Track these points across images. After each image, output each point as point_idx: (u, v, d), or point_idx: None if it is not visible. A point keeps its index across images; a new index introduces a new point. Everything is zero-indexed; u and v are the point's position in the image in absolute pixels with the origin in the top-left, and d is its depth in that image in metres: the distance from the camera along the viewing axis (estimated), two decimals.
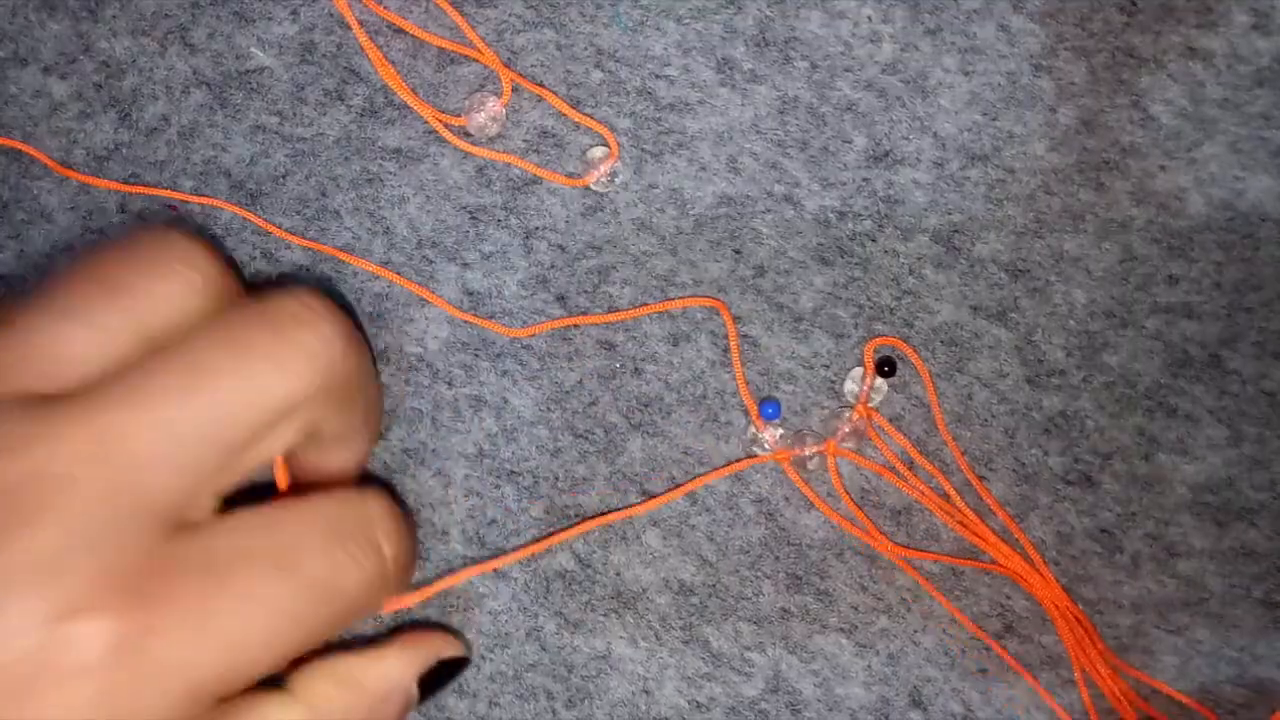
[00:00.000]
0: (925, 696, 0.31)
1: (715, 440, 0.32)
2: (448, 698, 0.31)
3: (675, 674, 0.31)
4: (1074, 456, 0.32)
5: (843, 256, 0.32)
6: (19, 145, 0.33)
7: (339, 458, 0.27)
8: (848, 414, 0.32)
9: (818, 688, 0.31)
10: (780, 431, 0.32)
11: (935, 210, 0.32)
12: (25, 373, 0.22)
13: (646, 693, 0.31)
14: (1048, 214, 0.32)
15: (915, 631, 0.31)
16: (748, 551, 0.32)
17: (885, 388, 0.32)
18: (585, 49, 0.33)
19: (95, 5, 0.33)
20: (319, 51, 0.33)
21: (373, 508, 0.24)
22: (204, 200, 0.32)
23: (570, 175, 0.33)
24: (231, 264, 0.24)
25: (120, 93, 0.33)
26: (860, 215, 0.32)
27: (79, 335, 0.22)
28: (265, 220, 0.32)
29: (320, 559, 0.23)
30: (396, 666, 0.27)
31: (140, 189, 0.33)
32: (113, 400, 0.21)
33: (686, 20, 0.33)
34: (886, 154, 0.32)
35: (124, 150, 0.33)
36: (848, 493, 0.32)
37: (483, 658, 0.31)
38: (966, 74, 0.32)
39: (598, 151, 0.32)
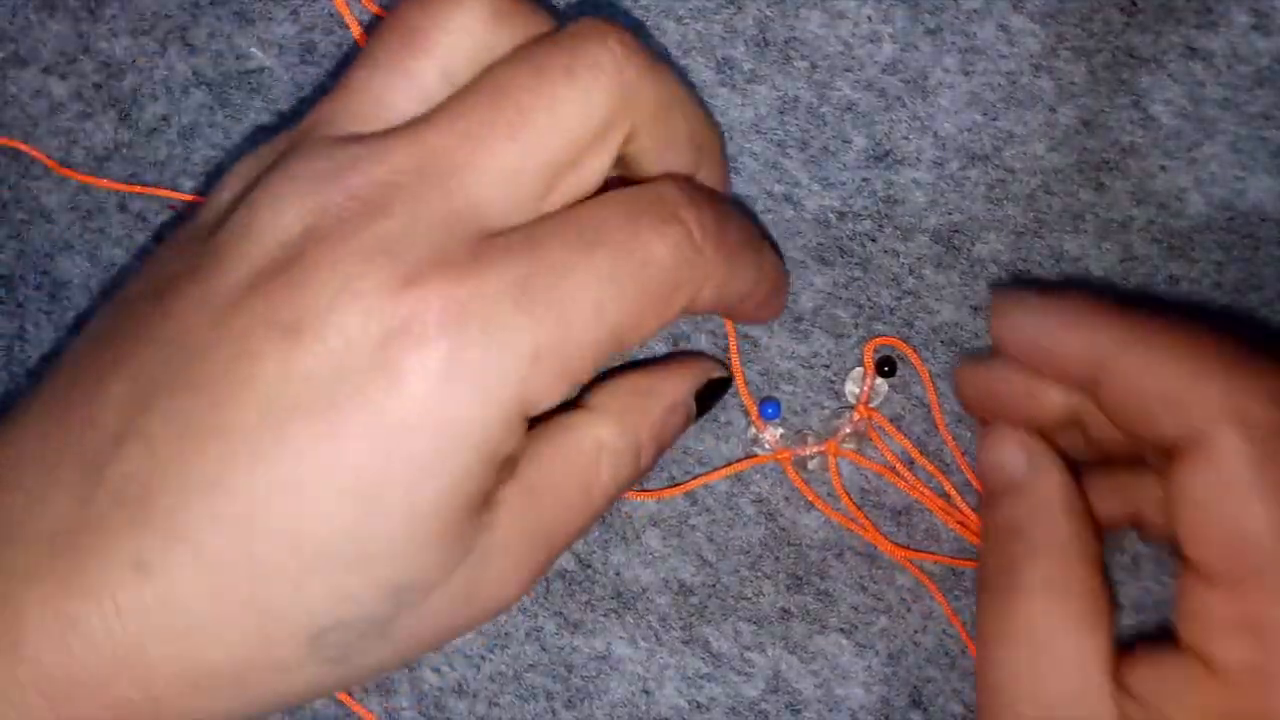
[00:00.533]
0: (925, 697, 0.31)
1: (715, 440, 0.32)
2: (447, 698, 0.31)
3: (675, 674, 0.31)
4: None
5: (843, 256, 0.32)
6: (19, 145, 0.33)
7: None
8: (848, 414, 0.32)
9: (818, 688, 0.31)
10: (780, 431, 0.32)
11: (935, 210, 0.32)
12: (350, 122, 0.23)
13: (646, 693, 0.31)
14: (1048, 214, 0.32)
15: (915, 631, 0.31)
16: (748, 552, 0.32)
17: (885, 388, 0.32)
18: None
19: (95, 5, 0.33)
20: (319, 51, 0.33)
21: (665, 188, 0.24)
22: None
23: None
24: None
25: (120, 93, 0.33)
26: (860, 215, 0.32)
27: (395, 84, 0.24)
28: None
29: (623, 231, 0.23)
30: (680, 381, 0.29)
31: (143, 189, 0.33)
32: (432, 127, 0.23)
33: (686, 20, 0.33)
34: (886, 154, 0.32)
35: (124, 150, 0.33)
36: (848, 493, 0.32)
37: (482, 658, 0.31)
38: (966, 74, 0.32)
39: None
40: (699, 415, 0.30)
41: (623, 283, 0.23)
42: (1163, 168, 0.32)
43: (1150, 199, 0.32)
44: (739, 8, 0.33)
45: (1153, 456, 0.26)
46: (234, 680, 0.22)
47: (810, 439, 0.32)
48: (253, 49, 0.33)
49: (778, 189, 0.32)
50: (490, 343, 0.21)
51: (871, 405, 0.32)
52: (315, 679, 0.22)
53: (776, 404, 0.32)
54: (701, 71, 0.33)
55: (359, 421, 0.21)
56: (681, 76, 0.31)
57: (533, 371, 0.22)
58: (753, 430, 0.32)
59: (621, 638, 0.31)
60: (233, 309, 0.21)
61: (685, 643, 0.31)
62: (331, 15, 0.33)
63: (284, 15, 0.33)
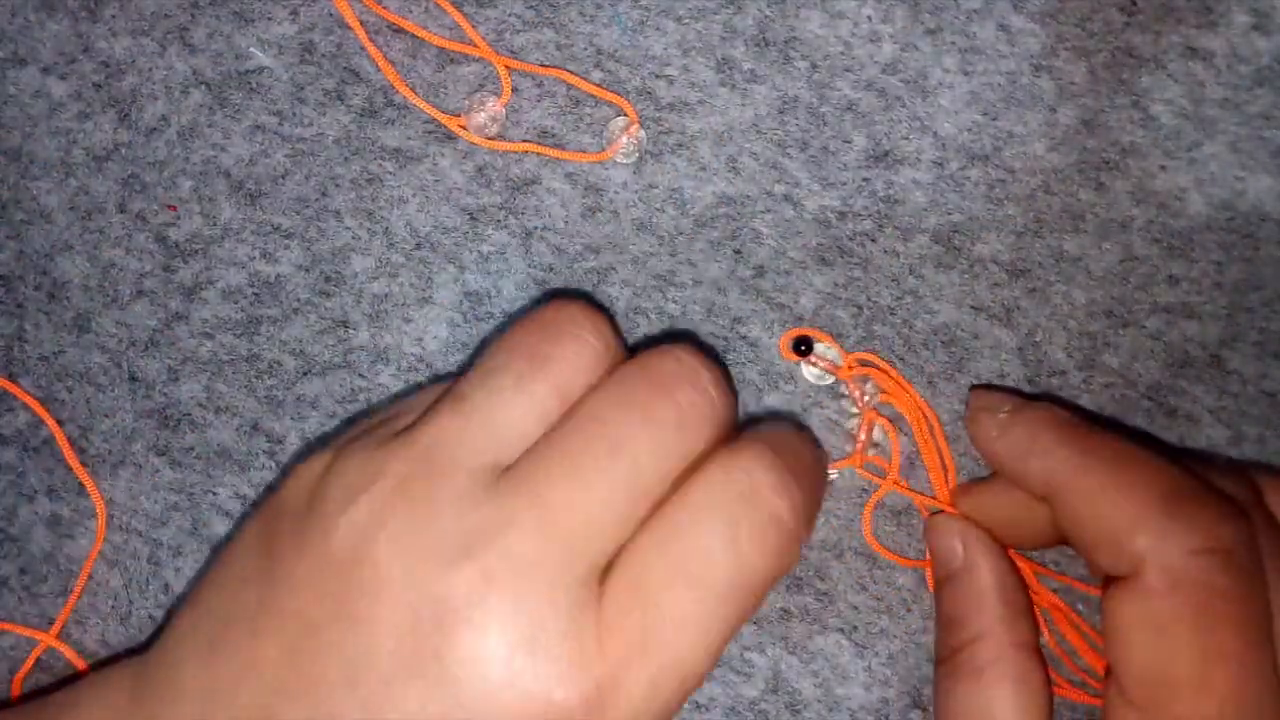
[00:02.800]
0: (925, 697, 0.31)
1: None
2: None
3: None
4: None
5: (843, 256, 0.32)
6: None
7: None
8: (856, 420, 0.32)
9: (818, 688, 0.31)
10: (827, 360, 0.32)
11: (935, 210, 0.32)
12: (484, 444, 0.25)
13: None
14: (1048, 214, 0.32)
15: (915, 632, 0.31)
16: None
17: (874, 389, 0.32)
18: (585, 49, 0.33)
19: (95, 5, 0.33)
20: (319, 51, 0.33)
21: (757, 475, 0.26)
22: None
23: (454, 114, 0.32)
24: (617, 328, 0.28)
25: (120, 93, 0.33)
26: (860, 215, 0.32)
27: (519, 404, 0.26)
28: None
29: (726, 556, 0.25)
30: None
31: None
32: (553, 477, 0.25)
33: (686, 20, 0.33)
34: (886, 154, 0.32)
35: (124, 150, 0.33)
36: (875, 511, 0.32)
37: None
38: (966, 74, 0.32)
39: (618, 122, 0.32)
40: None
41: (731, 614, 0.25)
42: (1163, 168, 0.32)
43: (1150, 199, 0.32)
44: (739, 8, 0.33)
45: (1099, 575, 0.28)
46: None
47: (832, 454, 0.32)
48: (253, 49, 0.33)
49: (778, 189, 0.32)
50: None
51: (870, 406, 0.32)
52: None
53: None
54: (701, 71, 0.33)
55: None
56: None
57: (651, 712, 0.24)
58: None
59: None
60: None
61: None
62: (331, 15, 0.33)
63: (284, 15, 0.33)
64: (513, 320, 0.32)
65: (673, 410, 0.25)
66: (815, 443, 0.32)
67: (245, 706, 0.24)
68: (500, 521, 0.24)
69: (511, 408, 0.25)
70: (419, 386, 0.32)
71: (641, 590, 0.24)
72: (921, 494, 0.31)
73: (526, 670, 0.23)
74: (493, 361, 0.26)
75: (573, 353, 0.26)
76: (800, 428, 0.32)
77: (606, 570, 0.25)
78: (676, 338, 0.32)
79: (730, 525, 0.25)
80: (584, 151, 0.32)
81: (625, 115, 0.32)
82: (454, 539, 0.24)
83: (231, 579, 0.26)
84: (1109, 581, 0.26)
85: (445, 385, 0.28)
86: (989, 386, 0.32)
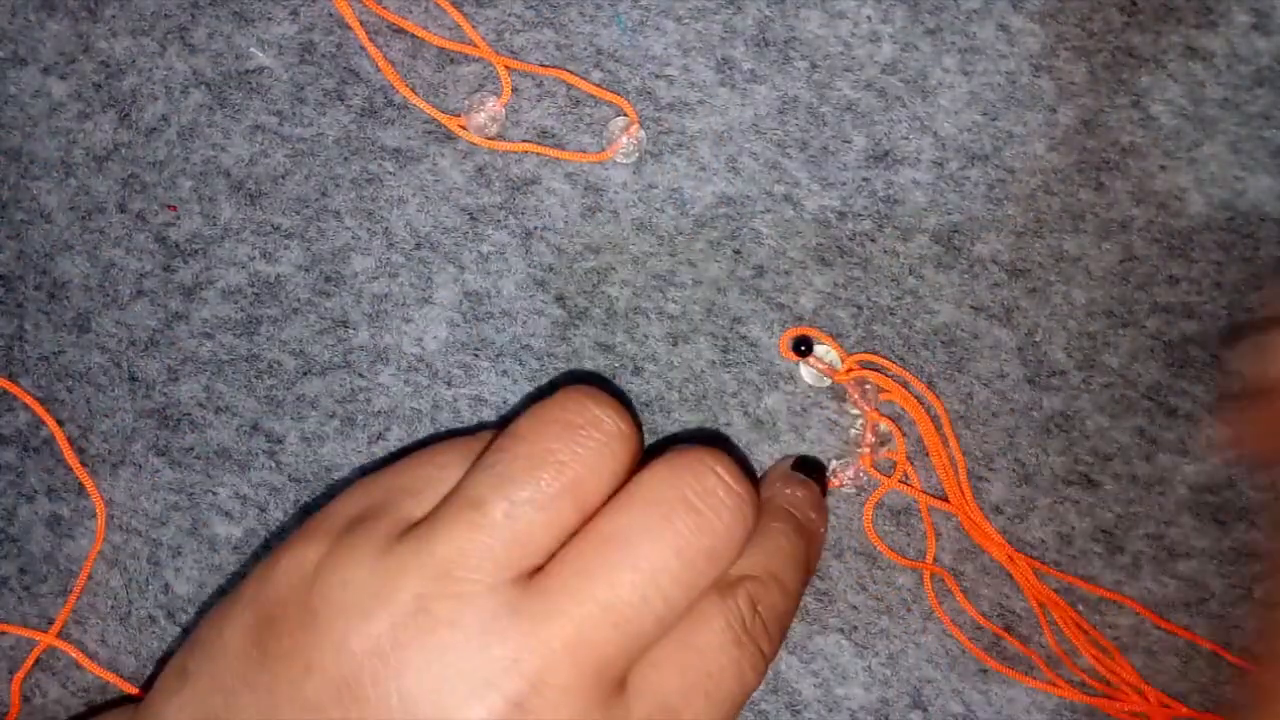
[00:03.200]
0: (925, 697, 0.31)
1: (715, 441, 0.32)
2: None
3: None
4: (1074, 457, 0.32)
5: (843, 256, 0.32)
6: None
7: None
8: (860, 422, 0.32)
9: (817, 688, 0.31)
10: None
11: (935, 210, 0.32)
12: (505, 562, 0.24)
13: None
14: (1048, 214, 0.32)
15: (915, 632, 0.31)
16: None
17: (874, 390, 0.32)
18: (585, 49, 0.33)
19: (95, 5, 0.33)
20: (319, 51, 0.33)
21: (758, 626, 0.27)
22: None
23: (454, 114, 0.32)
24: (636, 420, 0.27)
25: (120, 93, 0.33)
26: (860, 215, 0.32)
27: (540, 519, 0.25)
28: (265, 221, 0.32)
29: (734, 684, 0.26)
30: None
31: None
32: (574, 599, 0.24)
33: (686, 20, 0.33)
34: (886, 154, 0.32)
35: (124, 150, 0.33)
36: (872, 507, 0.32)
37: None
38: (966, 74, 0.32)
39: (618, 122, 0.32)
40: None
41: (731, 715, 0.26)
42: (1163, 168, 0.32)
43: (1150, 199, 0.32)
44: (739, 8, 0.33)
45: None
46: None
47: (836, 464, 0.32)
48: (252, 49, 0.33)
49: (778, 189, 0.32)
50: None
51: (870, 405, 0.32)
52: None
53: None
54: (701, 71, 0.33)
55: None
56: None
57: None
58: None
59: None
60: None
61: None
62: (331, 15, 0.33)
63: (284, 15, 0.33)
64: (501, 319, 0.32)
65: (702, 522, 0.25)
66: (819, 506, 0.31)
67: None
68: (528, 643, 0.24)
69: (534, 524, 0.25)
70: (419, 387, 0.32)
71: (666, 710, 0.25)
72: (926, 492, 0.31)
73: None
74: (510, 465, 0.25)
75: (592, 454, 0.25)
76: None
77: (626, 681, 0.25)
78: (676, 340, 0.32)
79: (739, 649, 0.26)
80: (584, 151, 0.32)
81: (625, 115, 0.32)
82: (484, 664, 0.23)
83: (222, 676, 0.25)
84: None
85: (449, 450, 0.27)
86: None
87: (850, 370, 0.32)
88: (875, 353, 0.32)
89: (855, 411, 0.32)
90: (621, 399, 0.29)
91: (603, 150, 0.32)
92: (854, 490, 0.32)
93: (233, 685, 0.25)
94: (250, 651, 0.25)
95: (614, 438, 0.26)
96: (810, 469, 0.31)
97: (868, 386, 0.32)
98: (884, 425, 0.32)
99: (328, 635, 0.24)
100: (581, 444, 0.25)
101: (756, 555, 0.27)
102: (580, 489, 0.25)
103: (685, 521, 0.25)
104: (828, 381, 0.32)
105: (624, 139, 0.32)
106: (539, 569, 0.25)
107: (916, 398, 0.31)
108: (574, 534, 0.25)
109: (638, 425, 0.27)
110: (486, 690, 0.23)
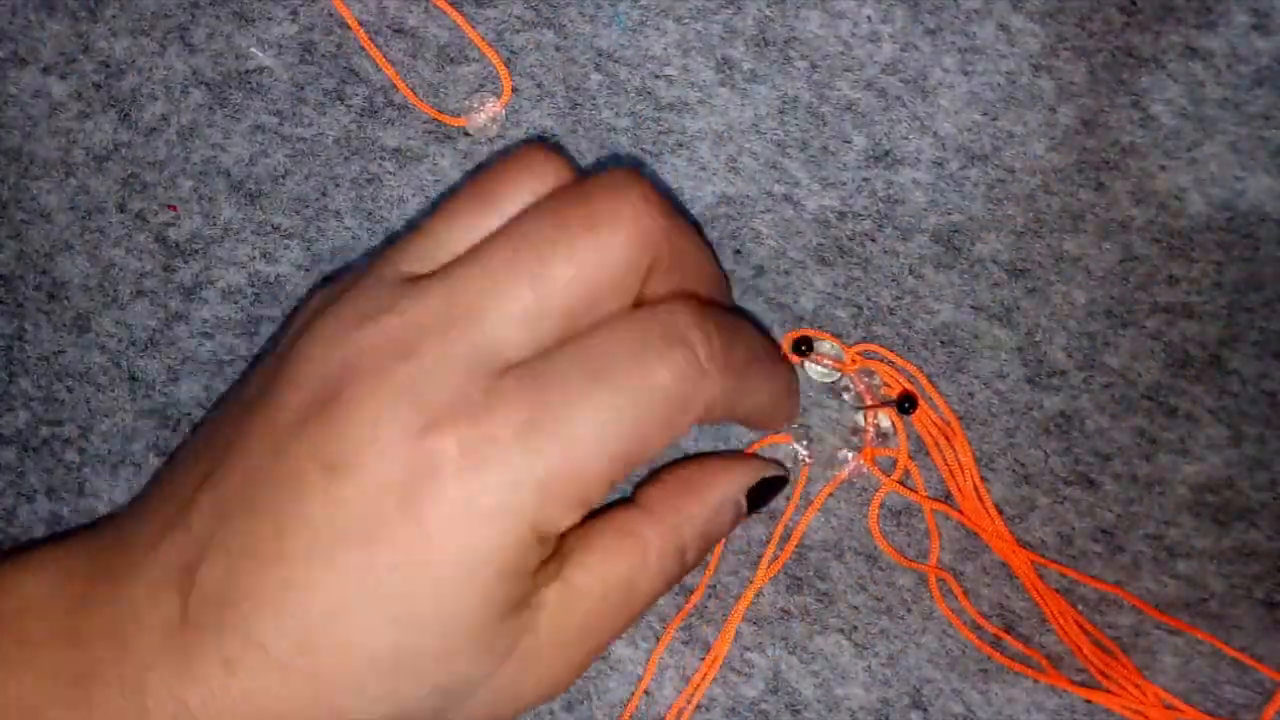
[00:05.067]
0: (925, 697, 0.31)
1: (714, 443, 0.32)
2: None
3: (675, 674, 0.31)
4: (1074, 457, 0.32)
5: (843, 256, 0.32)
6: None
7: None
8: (860, 417, 0.32)
9: (818, 688, 0.31)
10: (804, 453, 0.32)
11: (935, 210, 0.32)
12: (411, 262, 0.26)
13: (646, 693, 0.31)
14: (1048, 214, 0.32)
15: (915, 632, 0.31)
16: (748, 552, 0.32)
17: (879, 381, 0.32)
18: (585, 49, 0.33)
19: (95, 5, 0.33)
20: (319, 51, 0.33)
21: (673, 312, 0.26)
22: None
23: (454, 114, 0.33)
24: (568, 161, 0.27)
25: (120, 93, 0.33)
26: (860, 215, 0.32)
27: (456, 228, 0.26)
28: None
29: (629, 359, 0.25)
30: (732, 479, 0.30)
31: None
32: (461, 271, 0.25)
33: (686, 20, 0.33)
34: (886, 154, 0.32)
35: (124, 150, 0.33)
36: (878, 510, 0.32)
37: None
38: (966, 74, 0.32)
39: (489, 97, 0.32)
40: (751, 511, 0.30)
41: (626, 411, 0.24)
42: (1163, 168, 0.32)
43: (1150, 199, 0.32)
44: (739, 8, 0.33)
45: None
46: None
47: (839, 455, 0.32)
48: (253, 49, 0.33)
49: (778, 189, 0.32)
50: (501, 482, 0.24)
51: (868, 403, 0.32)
52: None
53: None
54: (701, 71, 0.33)
55: (389, 556, 0.24)
56: (692, 222, 0.32)
57: (543, 501, 0.24)
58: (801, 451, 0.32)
59: (621, 638, 0.31)
60: (288, 440, 0.24)
61: (685, 643, 0.31)
62: (331, 15, 0.33)
63: (284, 15, 0.33)
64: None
65: (596, 221, 0.25)
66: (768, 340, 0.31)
67: (211, 580, 0.24)
68: (409, 302, 0.25)
69: (453, 234, 0.26)
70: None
71: (537, 377, 0.24)
72: (924, 495, 0.31)
73: (416, 451, 0.24)
74: (450, 199, 0.27)
75: (525, 186, 0.26)
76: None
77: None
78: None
79: (640, 339, 0.25)
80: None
81: (499, 89, 0.32)
82: (445, 402, 0.24)
83: (251, 461, 0.26)
84: None
85: (461, 201, 0.27)
86: None
87: (854, 361, 0.32)
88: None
89: (857, 405, 0.32)
90: None
91: (460, 116, 0.32)
92: (855, 485, 0.32)
93: (220, 424, 0.26)
94: (229, 426, 0.26)
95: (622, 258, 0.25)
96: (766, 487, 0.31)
97: (874, 378, 0.32)
98: (886, 420, 0.32)
99: (278, 369, 0.26)
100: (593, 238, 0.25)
101: (684, 299, 0.27)
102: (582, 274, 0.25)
103: (627, 394, 0.24)
104: (835, 375, 0.32)
105: (488, 109, 0.32)
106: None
107: (918, 389, 0.31)
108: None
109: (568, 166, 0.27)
110: (349, 337, 0.25)
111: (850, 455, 0.32)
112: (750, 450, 0.32)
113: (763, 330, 0.32)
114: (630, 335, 0.25)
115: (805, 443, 0.32)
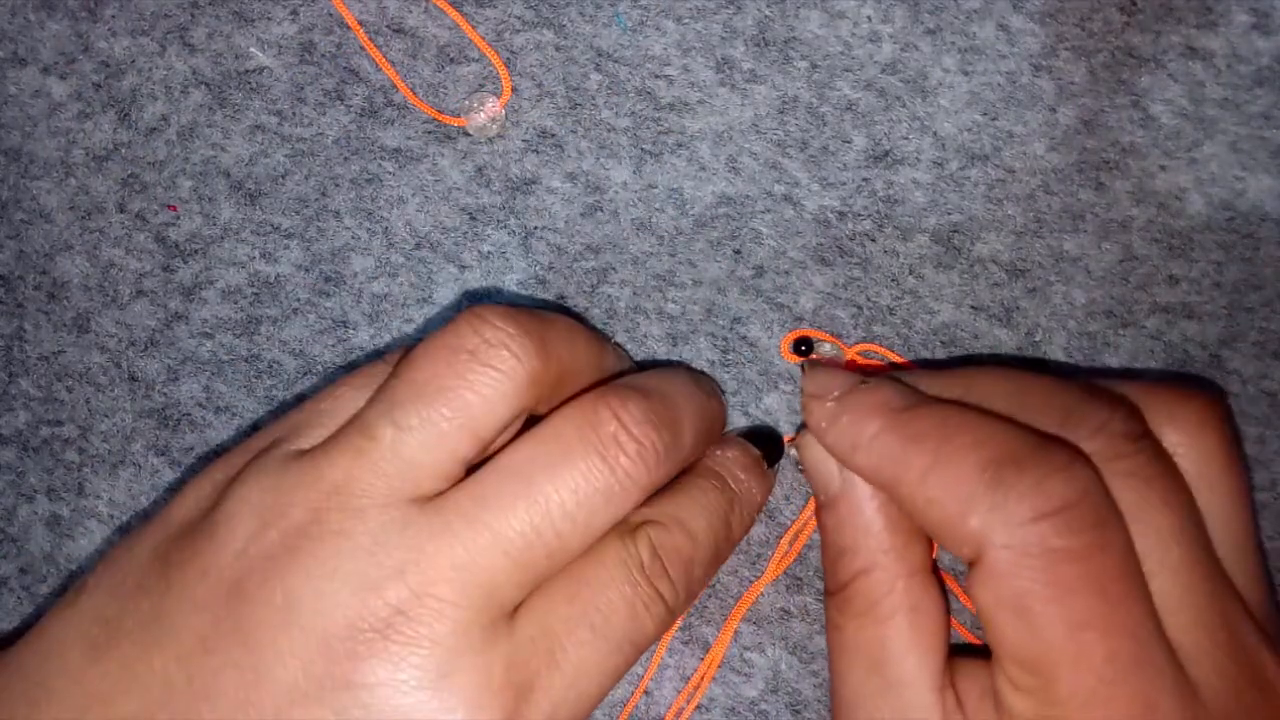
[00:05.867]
0: None
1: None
2: None
3: (674, 674, 0.31)
4: None
5: (843, 256, 0.32)
6: None
7: None
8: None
9: (818, 688, 0.31)
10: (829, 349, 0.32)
11: (935, 210, 0.32)
12: (397, 484, 0.25)
13: (646, 693, 0.31)
14: (1048, 214, 0.32)
15: None
16: (747, 551, 0.32)
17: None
18: (585, 49, 0.33)
19: (95, 5, 0.33)
20: (319, 51, 0.33)
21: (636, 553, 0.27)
22: None
23: (454, 114, 0.33)
24: (559, 333, 0.27)
25: (120, 93, 0.33)
26: (860, 215, 0.32)
27: (427, 444, 0.25)
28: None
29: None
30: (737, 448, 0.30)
31: None
32: (466, 522, 0.25)
33: (686, 20, 0.33)
34: (886, 154, 0.32)
35: (123, 150, 0.33)
36: None
37: None
38: (966, 74, 0.32)
39: (489, 97, 0.32)
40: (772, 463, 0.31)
41: (619, 663, 0.26)
42: (1163, 168, 0.32)
43: (1150, 199, 0.32)
44: (739, 8, 0.33)
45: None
46: None
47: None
48: (252, 49, 0.33)
49: (778, 189, 0.32)
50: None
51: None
52: None
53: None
54: (701, 71, 0.33)
55: None
56: (562, 314, 0.31)
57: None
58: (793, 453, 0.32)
59: None
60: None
61: (685, 643, 0.31)
62: (331, 15, 0.33)
63: (284, 15, 0.33)
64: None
65: (599, 473, 0.25)
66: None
67: (124, 718, 0.24)
68: (416, 557, 0.24)
69: (423, 448, 0.25)
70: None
71: (549, 635, 0.25)
72: None
73: (434, 701, 0.24)
74: (399, 391, 0.26)
75: (485, 382, 0.25)
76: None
77: (517, 609, 0.25)
78: (676, 341, 0.32)
79: (632, 588, 0.26)
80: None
81: (499, 89, 0.32)
82: (369, 571, 0.24)
83: (121, 586, 0.26)
84: (968, 568, 0.25)
85: (347, 383, 0.28)
86: (824, 364, 0.31)
87: (853, 362, 0.32)
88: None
89: None
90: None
91: (459, 116, 0.32)
92: None
93: (130, 592, 0.26)
94: (153, 564, 0.26)
95: (512, 366, 0.25)
96: (765, 440, 0.31)
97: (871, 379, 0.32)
98: None
99: (225, 543, 0.25)
100: (473, 371, 0.25)
101: (665, 503, 0.28)
102: (470, 414, 0.25)
103: (586, 461, 0.25)
104: None
105: (487, 109, 0.32)
106: (441, 495, 0.25)
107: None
108: (479, 463, 0.26)
109: (564, 340, 0.27)
110: (369, 593, 0.24)
111: None
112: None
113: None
114: (623, 580, 0.26)
115: None
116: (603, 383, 0.28)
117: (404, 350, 0.27)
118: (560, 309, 0.32)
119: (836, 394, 0.27)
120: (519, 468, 0.25)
